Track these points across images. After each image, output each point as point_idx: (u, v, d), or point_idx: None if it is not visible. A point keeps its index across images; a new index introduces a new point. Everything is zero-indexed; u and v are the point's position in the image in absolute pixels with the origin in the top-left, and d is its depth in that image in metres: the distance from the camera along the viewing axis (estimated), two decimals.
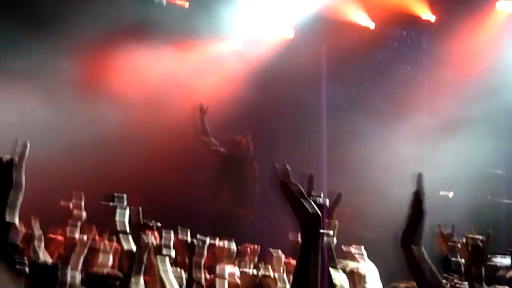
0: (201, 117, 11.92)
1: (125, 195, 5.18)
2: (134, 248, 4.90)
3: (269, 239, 8.68)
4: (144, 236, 4.67)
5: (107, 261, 5.72)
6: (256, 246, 7.17)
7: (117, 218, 4.94)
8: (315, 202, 2.98)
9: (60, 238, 6.19)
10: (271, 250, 6.73)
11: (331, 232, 5.41)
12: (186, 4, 13.13)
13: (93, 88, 12.84)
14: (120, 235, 5.01)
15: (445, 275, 5.09)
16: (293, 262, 6.41)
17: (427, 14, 12.79)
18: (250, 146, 12.13)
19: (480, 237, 5.12)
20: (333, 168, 12.61)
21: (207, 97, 12.80)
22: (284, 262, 6.65)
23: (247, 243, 7.26)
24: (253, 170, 12.04)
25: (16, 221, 2.81)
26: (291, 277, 5.75)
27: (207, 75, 13.33)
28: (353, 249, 6.16)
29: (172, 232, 5.24)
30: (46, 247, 5.68)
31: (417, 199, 3.23)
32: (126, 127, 12.63)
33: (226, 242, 6.52)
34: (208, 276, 5.94)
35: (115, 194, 4.98)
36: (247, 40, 13.55)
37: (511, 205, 11.13)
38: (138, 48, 12.84)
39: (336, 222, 5.52)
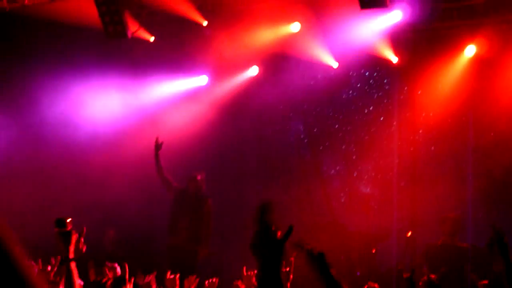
0: (156, 152, 11.71)
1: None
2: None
3: (225, 274, 9.02)
4: None
5: None
6: (214, 279, 7.25)
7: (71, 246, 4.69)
8: (268, 233, 3.05)
9: None
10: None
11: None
12: (151, 39, 13.04)
13: (55, 117, 13.00)
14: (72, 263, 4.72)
15: None
16: None
17: (390, 55, 12.74)
18: (204, 183, 11.98)
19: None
20: (293, 205, 13.39)
21: (170, 131, 12.73)
22: None
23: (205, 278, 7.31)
24: (207, 207, 11.97)
25: None
26: None
27: (171, 110, 13.37)
28: None
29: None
30: None
31: None
32: (86, 158, 12.79)
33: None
34: None
35: (67, 219, 4.72)
36: (212, 76, 13.58)
37: (464, 248, 11.13)
38: (100, 80, 13.03)
39: (292, 259, 5.84)
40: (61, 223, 4.62)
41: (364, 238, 12.74)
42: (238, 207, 12.91)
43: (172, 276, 6.36)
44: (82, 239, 4.76)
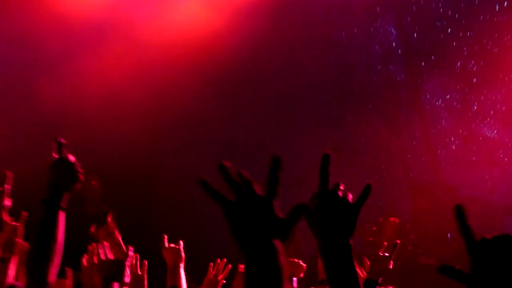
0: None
1: None
2: None
3: None
4: None
5: None
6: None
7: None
8: (332, 194, 2.88)
9: None
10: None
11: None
12: None
13: None
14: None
15: None
16: None
17: None
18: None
19: None
20: (375, 153, 12.82)
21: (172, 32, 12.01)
22: None
23: None
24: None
25: None
26: None
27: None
28: None
29: None
30: None
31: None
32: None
33: None
34: None
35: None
36: None
37: None
38: None
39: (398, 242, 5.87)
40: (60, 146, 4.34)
41: (485, 207, 12.10)
42: (290, 158, 11.84)
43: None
44: None
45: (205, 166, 12.19)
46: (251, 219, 2.49)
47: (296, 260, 6.84)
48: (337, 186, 2.85)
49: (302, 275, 6.72)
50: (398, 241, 5.99)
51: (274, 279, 2.47)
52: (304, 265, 6.86)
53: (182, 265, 6.20)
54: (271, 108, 12.92)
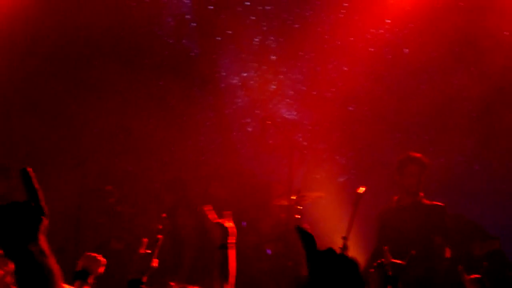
0: None
1: None
2: None
3: None
4: None
5: None
6: None
7: None
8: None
9: None
10: None
11: None
12: None
13: None
14: None
15: None
16: None
17: None
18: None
19: None
20: (161, 139, 12.52)
21: None
22: None
23: None
24: None
25: None
26: None
27: None
28: None
29: None
30: None
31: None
32: None
33: None
34: None
35: None
36: None
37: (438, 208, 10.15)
38: None
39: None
40: None
41: (285, 192, 11.58)
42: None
43: None
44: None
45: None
46: (9, 225, 2.60)
47: (93, 255, 6.65)
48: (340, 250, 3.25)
49: (101, 270, 6.54)
50: (161, 236, 6.12)
51: (41, 282, 2.57)
52: (103, 260, 6.65)
53: None
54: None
